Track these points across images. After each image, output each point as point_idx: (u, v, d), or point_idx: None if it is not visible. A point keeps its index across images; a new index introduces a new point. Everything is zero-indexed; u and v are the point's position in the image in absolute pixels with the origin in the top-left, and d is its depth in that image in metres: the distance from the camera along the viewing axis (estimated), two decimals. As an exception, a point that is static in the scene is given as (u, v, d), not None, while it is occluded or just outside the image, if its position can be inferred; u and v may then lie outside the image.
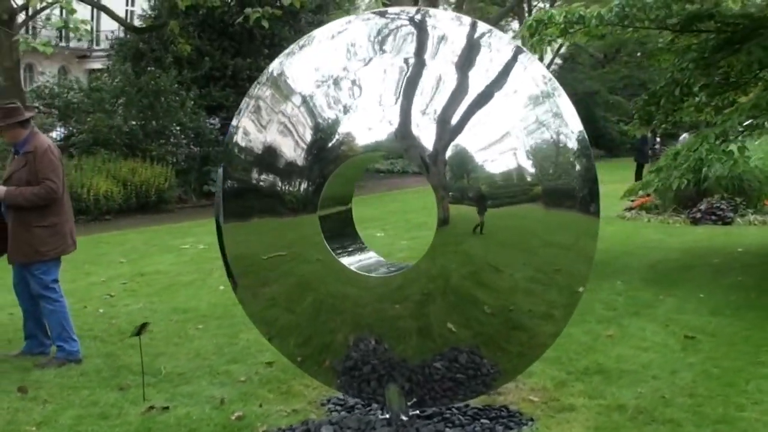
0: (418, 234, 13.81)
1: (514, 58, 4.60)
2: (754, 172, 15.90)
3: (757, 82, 10.33)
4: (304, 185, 4.94)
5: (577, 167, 4.48)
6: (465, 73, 4.61)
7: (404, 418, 4.93)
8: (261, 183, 5.10)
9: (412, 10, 4.97)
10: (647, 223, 15.82)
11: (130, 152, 20.69)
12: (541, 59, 10.62)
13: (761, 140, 14.37)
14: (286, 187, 4.98)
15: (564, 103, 4.48)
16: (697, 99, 10.53)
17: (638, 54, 40.99)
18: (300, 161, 4.91)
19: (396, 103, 4.67)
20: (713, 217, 15.39)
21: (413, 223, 15.89)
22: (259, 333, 5.55)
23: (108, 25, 33.48)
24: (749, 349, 6.85)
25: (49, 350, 6.83)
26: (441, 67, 4.62)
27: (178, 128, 21.98)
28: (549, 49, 10.62)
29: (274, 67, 5.15)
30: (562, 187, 4.45)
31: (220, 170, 5.36)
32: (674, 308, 8.39)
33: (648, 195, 15.49)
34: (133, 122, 21.04)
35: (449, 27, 4.77)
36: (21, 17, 21.54)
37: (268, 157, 5.03)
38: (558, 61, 48.43)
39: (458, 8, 35.63)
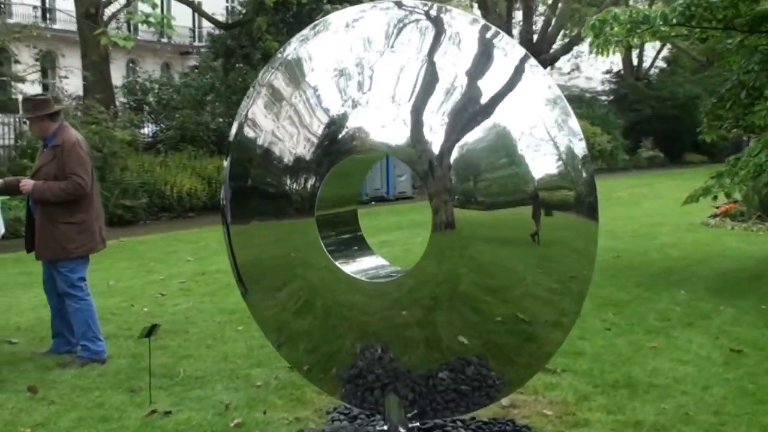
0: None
1: (522, 63, 4.34)
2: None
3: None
4: (310, 183, 4.75)
5: (584, 174, 4.28)
6: (477, 76, 4.35)
7: (402, 430, 4.71)
8: (268, 179, 4.91)
9: (428, 4, 4.73)
10: (730, 231, 15.06)
11: (216, 149, 20.95)
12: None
13: None
14: (294, 186, 4.80)
15: (569, 110, 4.31)
16: (768, 102, 9.93)
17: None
18: (308, 157, 4.72)
19: (410, 101, 4.43)
20: (800, 226, 14.56)
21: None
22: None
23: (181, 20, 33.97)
24: (795, 366, 6.38)
25: (75, 349, 6.84)
26: (454, 68, 4.39)
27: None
28: (621, 50, 10.08)
29: (288, 52, 4.95)
30: (572, 192, 4.25)
31: (227, 165, 5.17)
32: (730, 320, 7.91)
33: (734, 202, 14.76)
34: (221, 119, 21.30)
35: (463, 26, 4.52)
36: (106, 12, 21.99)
37: (277, 152, 4.84)
38: (661, 63, 47.15)
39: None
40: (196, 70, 25.44)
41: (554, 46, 39.10)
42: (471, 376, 4.56)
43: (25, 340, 7.39)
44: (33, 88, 21.79)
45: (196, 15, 35.78)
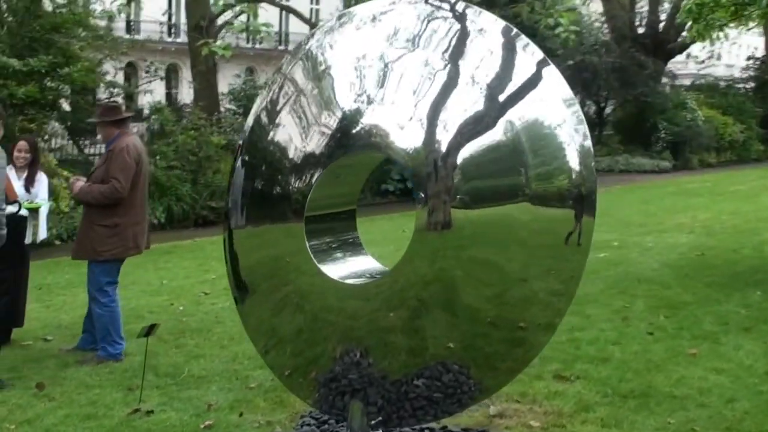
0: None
1: (541, 65, 4.17)
2: None
3: None
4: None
5: (592, 173, 4.12)
6: (491, 76, 4.21)
7: (363, 438, 4.59)
8: (278, 178, 4.87)
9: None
10: None
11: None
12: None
13: None
14: (297, 185, 4.76)
15: (581, 114, 4.21)
16: None
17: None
18: (316, 154, 4.67)
19: (421, 101, 4.32)
20: None
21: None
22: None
23: (296, 26, 34.54)
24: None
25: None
26: (469, 68, 4.27)
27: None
28: (723, 36, 9.48)
29: (311, 43, 4.91)
30: (582, 191, 4.08)
31: (237, 163, 5.12)
32: (798, 327, 7.37)
33: None
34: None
35: (487, 25, 4.37)
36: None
37: (286, 148, 4.80)
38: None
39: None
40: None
41: (683, 34, 37.53)
42: (446, 383, 4.40)
43: (60, 338, 7.62)
44: (154, 99, 22.72)
45: (282, 20, 36.47)
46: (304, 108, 4.75)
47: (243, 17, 19.49)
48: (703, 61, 41.22)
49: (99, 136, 7.22)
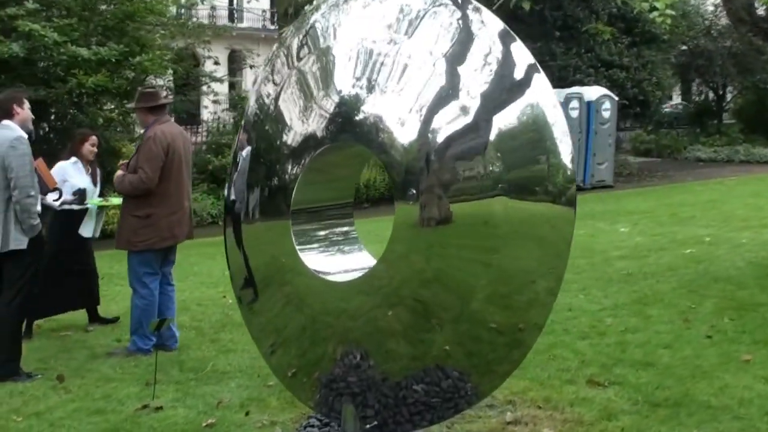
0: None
1: (530, 68, 3.91)
2: None
3: None
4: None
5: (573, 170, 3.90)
6: (495, 74, 3.94)
7: (356, 442, 4.44)
8: (276, 167, 4.73)
9: None
10: None
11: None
12: None
13: None
14: (294, 173, 4.63)
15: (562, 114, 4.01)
16: None
17: None
18: (309, 141, 4.51)
19: (419, 91, 4.10)
20: None
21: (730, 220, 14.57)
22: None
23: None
24: None
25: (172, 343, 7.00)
26: (474, 61, 4.02)
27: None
28: None
29: (316, 18, 4.73)
30: (570, 186, 3.88)
31: (245, 152, 4.98)
32: None
33: None
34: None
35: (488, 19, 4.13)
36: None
37: (282, 133, 4.67)
38: None
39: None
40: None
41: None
42: (445, 388, 4.23)
43: (101, 329, 7.65)
44: (223, 87, 22.93)
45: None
46: (302, 89, 4.57)
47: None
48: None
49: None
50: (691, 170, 25.72)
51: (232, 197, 5.02)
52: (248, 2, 30.89)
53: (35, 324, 7.53)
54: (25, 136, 6.20)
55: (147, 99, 6.88)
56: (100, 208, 7.63)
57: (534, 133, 3.82)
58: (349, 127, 4.32)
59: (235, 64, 28.43)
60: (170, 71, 18.20)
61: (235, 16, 36.14)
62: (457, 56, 4.01)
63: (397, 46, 4.21)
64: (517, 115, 3.84)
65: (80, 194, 7.50)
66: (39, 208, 6.35)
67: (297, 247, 4.57)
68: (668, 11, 15.01)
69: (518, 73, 3.89)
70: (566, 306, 7.89)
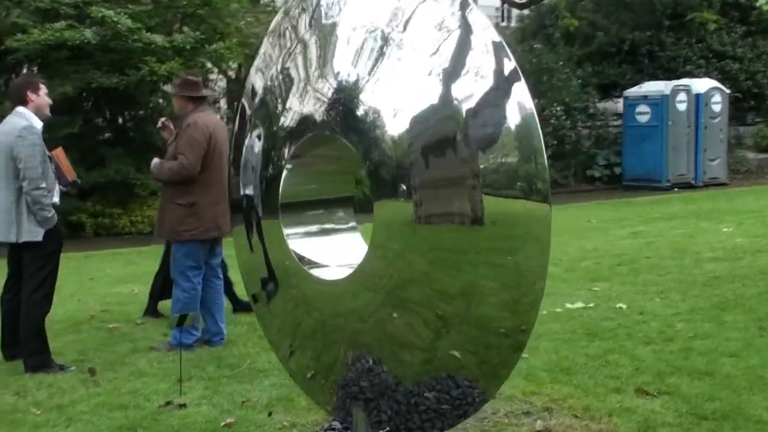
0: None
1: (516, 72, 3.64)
2: None
3: None
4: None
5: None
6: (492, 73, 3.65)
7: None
8: (272, 156, 4.57)
9: None
10: None
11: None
12: None
13: None
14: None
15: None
16: None
17: None
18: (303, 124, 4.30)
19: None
20: None
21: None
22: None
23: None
24: None
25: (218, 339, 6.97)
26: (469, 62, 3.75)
27: (559, 108, 21.37)
28: None
29: None
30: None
31: (255, 140, 4.76)
32: None
33: None
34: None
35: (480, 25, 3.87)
36: None
37: (280, 115, 4.46)
38: None
39: None
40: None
41: None
42: (455, 396, 4.09)
43: (153, 323, 7.68)
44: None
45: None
46: (299, 68, 4.38)
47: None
48: None
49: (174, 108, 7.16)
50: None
51: (243, 192, 4.84)
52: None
53: (90, 315, 7.62)
54: (38, 124, 6.16)
55: (190, 87, 6.80)
56: None
57: (526, 131, 3.58)
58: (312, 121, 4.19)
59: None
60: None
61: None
62: (453, 57, 3.73)
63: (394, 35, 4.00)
64: (510, 111, 3.59)
65: None
66: (57, 199, 6.31)
67: (291, 249, 4.43)
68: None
69: (506, 72, 3.62)
70: (638, 309, 7.52)
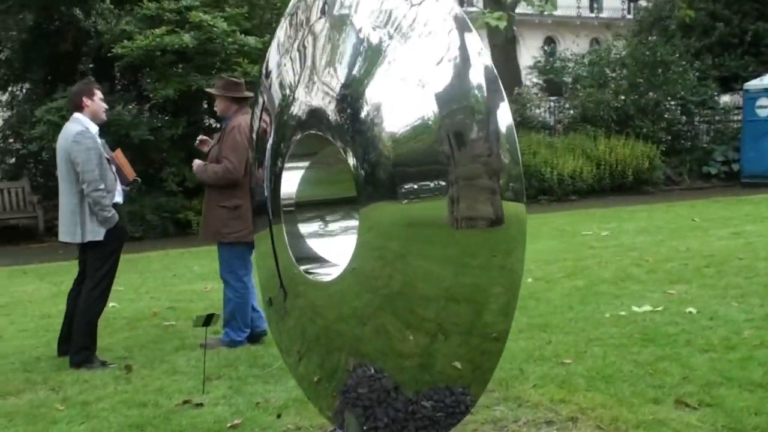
0: None
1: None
2: None
3: None
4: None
5: None
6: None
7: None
8: (279, 151, 4.40)
9: None
10: None
11: (619, 129, 19.93)
12: None
13: None
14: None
15: None
16: None
17: None
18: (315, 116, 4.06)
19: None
20: None
21: None
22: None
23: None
24: None
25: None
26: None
27: (673, 102, 20.51)
28: None
29: None
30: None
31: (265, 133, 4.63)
32: None
33: None
34: (622, 97, 20.17)
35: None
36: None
37: (290, 106, 4.24)
38: None
39: None
40: (614, 44, 24.42)
41: None
42: (449, 404, 3.92)
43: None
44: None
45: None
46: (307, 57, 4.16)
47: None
48: None
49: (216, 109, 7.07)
50: None
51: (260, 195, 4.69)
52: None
53: (153, 312, 7.65)
54: (93, 129, 6.26)
55: (234, 89, 6.75)
56: None
57: (510, 131, 3.43)
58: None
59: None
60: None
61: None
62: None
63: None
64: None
65: None
66: (119, 199, 6.44)
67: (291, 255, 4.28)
68: None
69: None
70: (709, 314, 7.03)
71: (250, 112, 6.72)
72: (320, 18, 4.18)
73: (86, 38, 14.37)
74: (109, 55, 14.03)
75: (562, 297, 8.04)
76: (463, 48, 3.46)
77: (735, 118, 21.65)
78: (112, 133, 13.90)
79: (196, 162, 6.79)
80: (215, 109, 7.11)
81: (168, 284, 9.85)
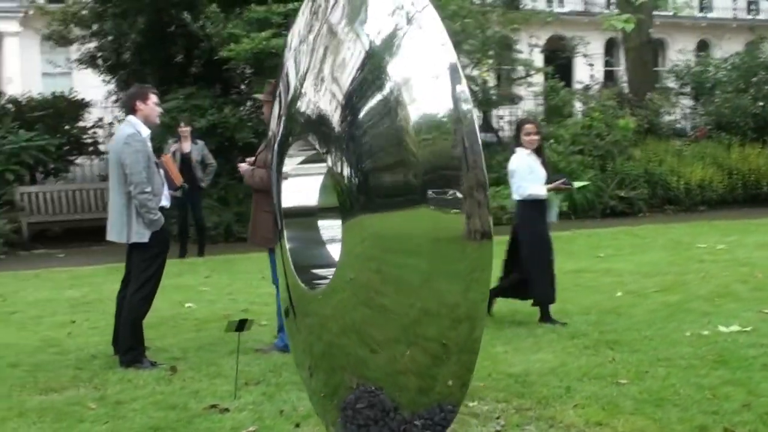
0: None
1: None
2: None
3: None
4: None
5: None
6: None
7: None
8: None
9: None
10: None
11: (756, 137, 18.97)
12: None
13: None
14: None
15: None
16: None
17: None
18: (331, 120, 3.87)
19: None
20: None
21: None
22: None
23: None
24: None
25: None
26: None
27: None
28: None
29: None
30: None
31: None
32: None
33: None
34: (761, 103, 19.19)
35: None
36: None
37: (303, 104, 4.08)
38: None
39: None
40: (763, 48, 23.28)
41: None
42: (437, 421, 3.84)
43: (271, 328, 7.57)
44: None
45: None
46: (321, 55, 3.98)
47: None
48: None
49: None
50: None
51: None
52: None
53: (225, 314, 7.64)
54: (144, 132, 6.35)
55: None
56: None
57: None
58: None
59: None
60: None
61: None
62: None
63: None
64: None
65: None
66: (166, 203, 6.53)
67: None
68: None
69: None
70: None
71: None
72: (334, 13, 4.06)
73: (196, 42, 14.67)
74: (215, 58, 14.30)
75: (647, 313, 7.65)
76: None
77: None
78: (218, 135, 14.22)
79: (243, 166, 6.80)
80: (262, 113, 7.05)
81: (252, 286, 9.88)
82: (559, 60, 22.79)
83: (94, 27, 17.16)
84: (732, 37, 31.52)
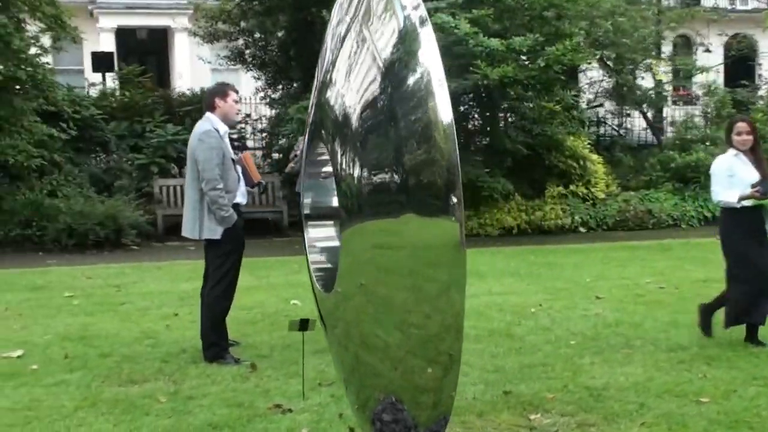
0: None
1: None
2: None
3: None
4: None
5: None
6: None
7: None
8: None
9: None
10: None
11: None
12: None
13: None
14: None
15: None
16: None
17: None
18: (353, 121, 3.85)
19: None
20: None
21: None
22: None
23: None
24: None
25: None
26: None
27: None
28: None
29: None
30: None
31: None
32: None
33: None
34: None
35: None
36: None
37: (334, 106, 4.02)
38: None
39: None
40: None
41: None
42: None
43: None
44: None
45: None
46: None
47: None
48: None
49: None
50: None
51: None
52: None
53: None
54: (221, 129, 6.49)
55: None
56: None
57: None
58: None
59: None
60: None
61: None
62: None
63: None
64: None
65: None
66: (242, 200, 6.67)
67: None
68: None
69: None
70: None
71: None
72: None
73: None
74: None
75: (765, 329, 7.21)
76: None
77: None
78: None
79: (292, 166, 6.87)
80: None
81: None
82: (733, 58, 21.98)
83: (242, 24, 17.70)
84: None
